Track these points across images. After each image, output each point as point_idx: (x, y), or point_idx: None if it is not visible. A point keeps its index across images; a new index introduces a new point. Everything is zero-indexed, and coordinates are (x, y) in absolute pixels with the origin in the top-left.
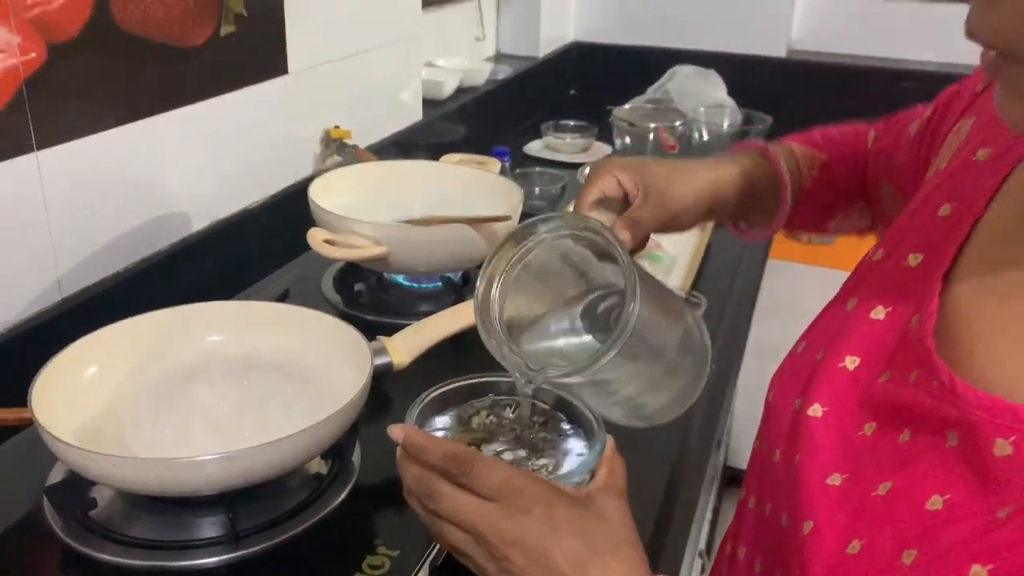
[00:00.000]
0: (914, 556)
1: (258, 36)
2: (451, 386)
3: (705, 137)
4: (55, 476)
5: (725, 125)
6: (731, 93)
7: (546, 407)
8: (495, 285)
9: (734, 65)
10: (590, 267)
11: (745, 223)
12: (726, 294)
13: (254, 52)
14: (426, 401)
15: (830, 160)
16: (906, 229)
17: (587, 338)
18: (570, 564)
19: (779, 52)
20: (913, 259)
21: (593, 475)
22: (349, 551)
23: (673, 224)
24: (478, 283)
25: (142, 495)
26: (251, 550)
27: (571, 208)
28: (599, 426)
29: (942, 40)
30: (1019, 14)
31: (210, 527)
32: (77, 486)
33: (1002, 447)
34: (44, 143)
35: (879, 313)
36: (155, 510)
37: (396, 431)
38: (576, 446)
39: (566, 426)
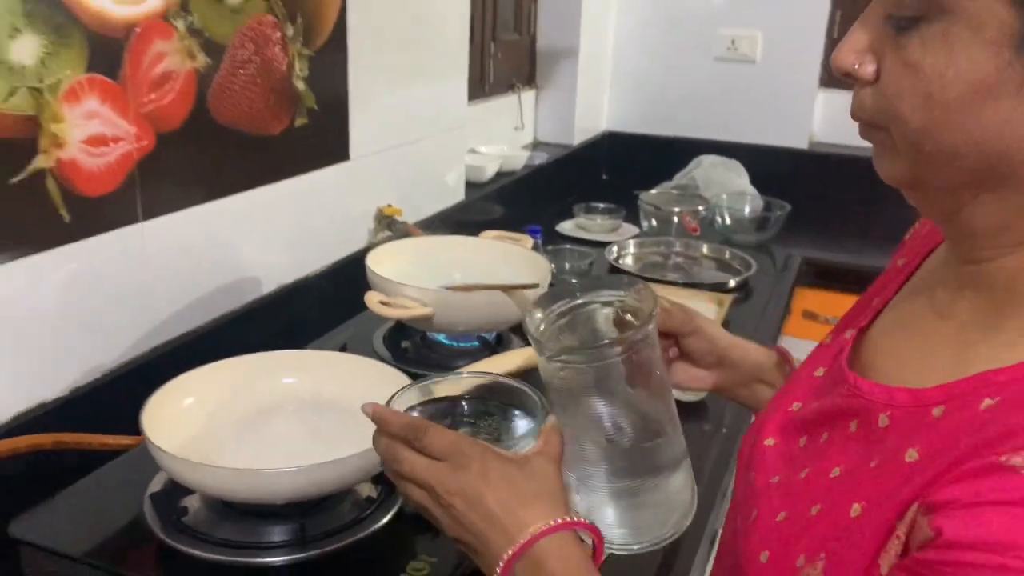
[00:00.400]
0: (818, 508)
1: (326, 127)
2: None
3: (727, 221)
4: (155, 487)
5: (746, 211)
6: (753, 182)
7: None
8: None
9: (757, 155)
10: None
11: (756, 408)
12: None
13: (322, 141)
14: (402, 393)
15: None
16: (849, 319)
17: None
18: (500, 507)
19: (801, 144)
20: (848, 334)
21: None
22: (395, 557)
23: (690, 346)
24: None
25: (224, 505)
26: (315, 552)
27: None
28: (543, 405)
29: None
30: (879, 98)
31: (281, 532)
32: (174, 495)
33: (883, 420)
34: (148, 215)
35: (819, 372)
36: (235, 518)
37: (367, 407)
38: (522, 425)
39: (517, 413)
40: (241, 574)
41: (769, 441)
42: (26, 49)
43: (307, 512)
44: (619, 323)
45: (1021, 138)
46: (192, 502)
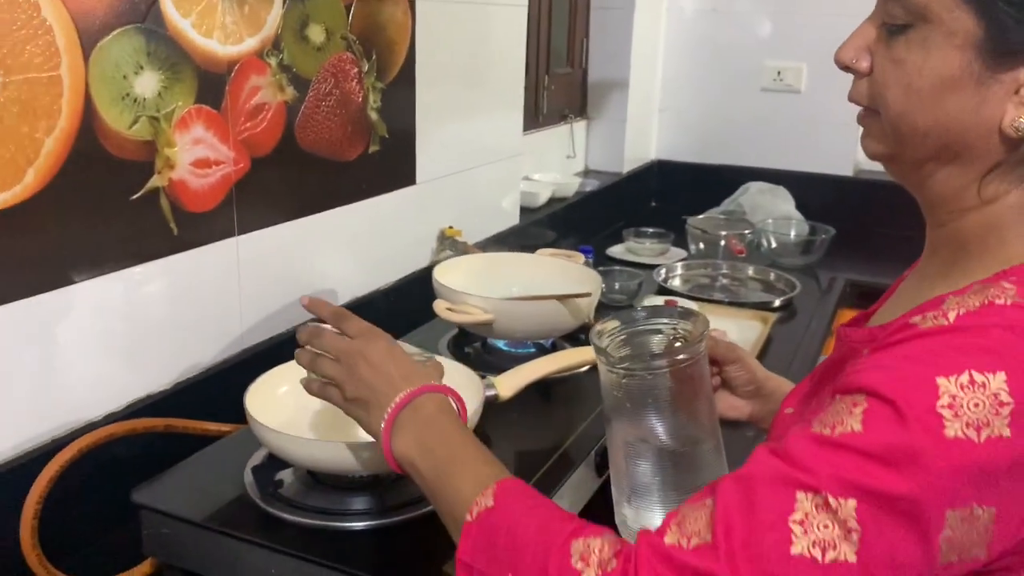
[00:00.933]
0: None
1: (396, 154)
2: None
3: (774, 245)
4: (255, 461)
5: (792, 235)
6: (799, 207)
7: None
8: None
9: (803, 182)
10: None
11: None
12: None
13: (392, 166)
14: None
15: None
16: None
17: None
18: (398, 372)
19: (846, 171)
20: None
21: None
22: None
23: (731, 376)
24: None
25: (314, 479)
26: (392, 519)
27: None
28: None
29: None
30: (871, 86)
31: (362, 502)
32: (272, 469)
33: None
34: (243, 230)
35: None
36: (323, 490)
37: (304, 299)
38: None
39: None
40: (328, 536)
41: (789, 410)
42: (147, 83)
43: (385, 485)
44: (670, 348)
45: (974, 122)
46: (287, 475)
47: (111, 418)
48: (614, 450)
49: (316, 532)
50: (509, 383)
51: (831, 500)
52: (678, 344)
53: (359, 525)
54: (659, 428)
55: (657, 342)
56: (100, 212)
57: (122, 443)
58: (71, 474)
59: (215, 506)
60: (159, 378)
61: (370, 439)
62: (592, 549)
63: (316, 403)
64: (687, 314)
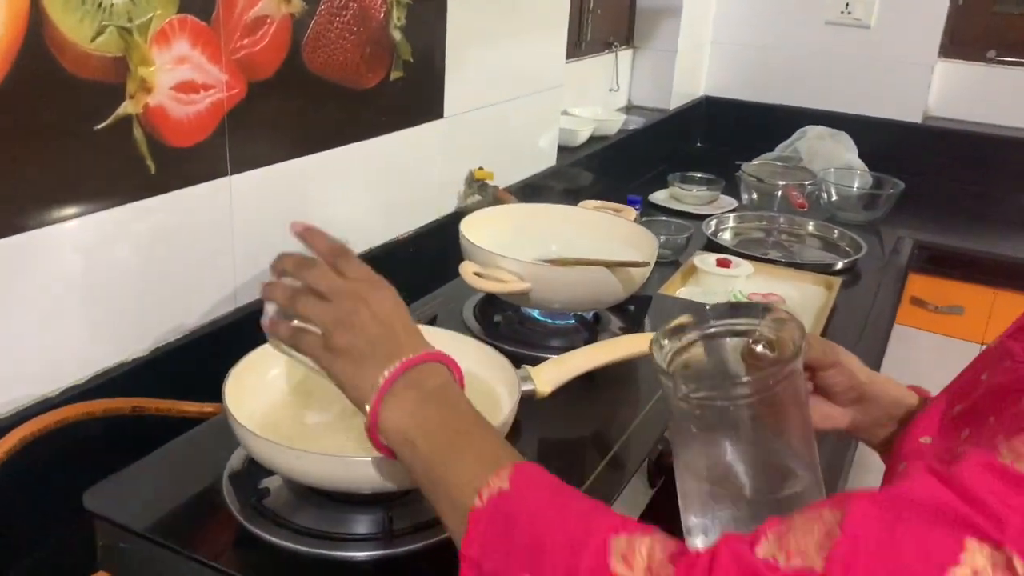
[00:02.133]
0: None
1: (421, 82)
2: None
3: (834, 198)
4: (234, 463)
5: (855, 187)
6: (862, 156)
7: None
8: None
9: (867, 128)
10: None
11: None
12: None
13: (416, 97)
14: None
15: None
16: None
17: None
18: (401, 326)
19: (915, 118)
20: None
21: None
22: None
23: (828, 381)
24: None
25: (308, 489)
26: (402, 548)
27: None
28: None
29: None
30: None
31: (367, 524)
32: (254, 475)
33: None
34: (237, 168)
35: (984, 376)
36: (318, 503)
37: (297, 225)
38: None
39: None
40: (320, 567)
41: (925, 439)
42: None
43: (395, 502)
44: (750, 355)
45: None
46: (273, 482)
47: (72, 392)
48: (682, 481)
49: (306, 562)
50: (549, 376)
51: (1017, 562)
52: (761, 348)
53: (361, 556)
54: (740, 466)
55: (734, 355)
56: (56, 145)
57: (79, 428)
58: (13, 467)
59: (185, 519)
60: (133, 344)
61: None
62: (638, 550)
63: (317, 390)
64: (776, 316)
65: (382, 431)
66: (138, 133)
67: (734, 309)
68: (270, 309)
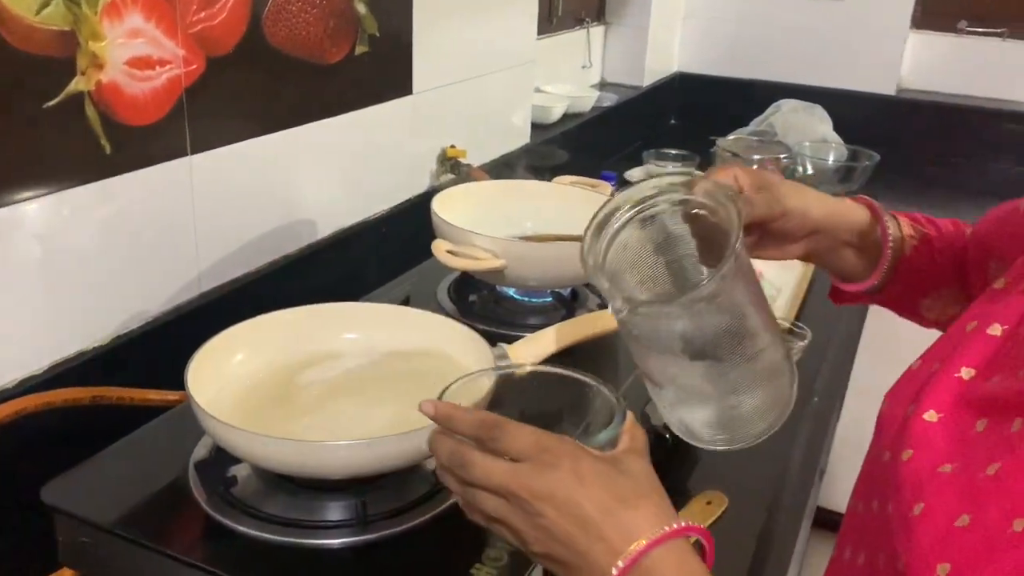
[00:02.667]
0: None
1: (388, 57)
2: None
3: (810, 171)
4: (200, 452)
5: (830, 160)
6: (837, 129)
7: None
8: (604, 237)
9: (841, 101)
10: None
11: (841, 272)
12: (831, 330)
13: (384, 72)
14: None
15: (933, 237)
16: None
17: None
18: (598, 511)
19: (888, 90)
20: None
21: (615, 445)
22: (469, 543)
23: (779, 228)
24: (589, 223)
25: (277, 476)
26: (377, 534)
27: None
28: (619, 402)
29: None
30: None
31: (339, 510)
32: (221, 463)
33: None
34: (197, 148)
35: (996, 330)
36: (289, 491)
37: (427, 406)
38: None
39: (588, 419)
40: (293, 555)
41: (931, 415)
42: None
43: (369, 487)
44: (691, 219)
45: None
46: (241, 471)
47: (30, 383)
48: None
49: (278, 550)
50: (527, 353)
51: None
52: (701, 212)
53: (335, 543)
54: (695, 340)
55: (674, 223)
56: (2, 124)
57: (38, 419)
58: None
59: (149, 511)
60: (93, 331)
61: (354, 439)
62: None
63: (284, 375)
64: (705, 189)
65: None
66: (91, 111)
67: (657, 183)
68: None
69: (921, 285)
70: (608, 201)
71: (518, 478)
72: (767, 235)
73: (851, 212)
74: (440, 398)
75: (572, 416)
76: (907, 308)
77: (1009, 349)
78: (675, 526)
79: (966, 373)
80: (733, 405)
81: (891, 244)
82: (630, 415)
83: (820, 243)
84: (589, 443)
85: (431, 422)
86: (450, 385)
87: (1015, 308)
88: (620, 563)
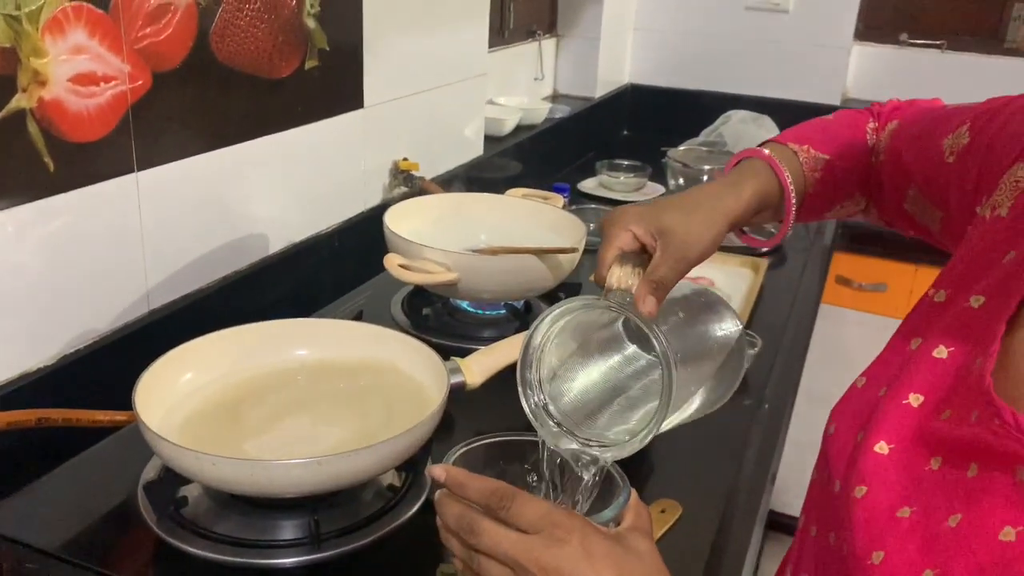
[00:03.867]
0: None
1: (338, 71)
2: (491, 440)
3: None
4: (149, 473)
5: None
6: None
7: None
8: (533, 368)
9: (788, 111)
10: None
11: (748, 229)
12: (779, 336)
13: (334, 86)
14: (466, 450)
15: (832, 159)
16: (968, 271)
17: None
18: None
19: (834, 100)
20: (975, 301)
21: (619, 523)
22: (423, 558)
23: (694, 266)
24: (519, 374)
25: (229, 496)
26: (331, 552)
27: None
28: (623, 480)
29: (996, 92)
30: None
31: (292, 529)
32: (171, 484)
33: None
34: (144, 164)
35: (941, 352)
36: (241, 510)
37: (438, 471)
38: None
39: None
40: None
41: (881, 447)
42: None
43: (321, 504)
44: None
45: None
46: (192, 491)
47: None
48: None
49: (231, 571)
50: (479, 367)
51: None
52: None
53: (288, 562)
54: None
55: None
56: None
57: None
58: None
59: (98, 535)
60: (39, 351)
61: (304, 457)
62: None
63: (234, 393)
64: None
65: None
66: (33, 128)
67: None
68: None
69: (825, 206)
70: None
71: (528, 551)
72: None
73: (753, 201)
74: (449, 459)
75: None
76: (812, 219)
77: (958, 386)
78: None
79: (915, 400)
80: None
81: (794, 200)
82: (634, 492)
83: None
84: (595, 517)
85: (384, 439)
86: (456, 449)
87: (959, 328)
88: None
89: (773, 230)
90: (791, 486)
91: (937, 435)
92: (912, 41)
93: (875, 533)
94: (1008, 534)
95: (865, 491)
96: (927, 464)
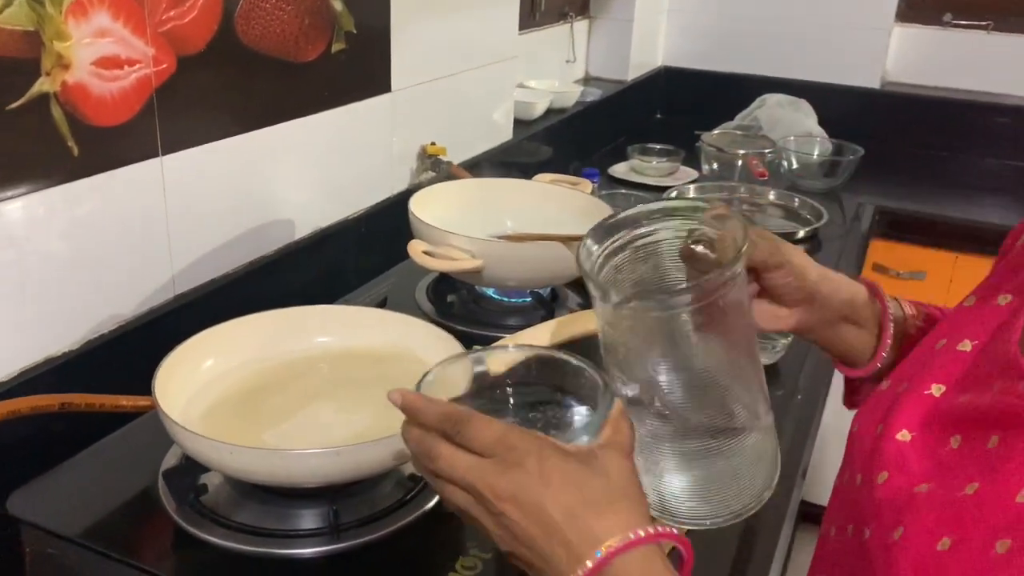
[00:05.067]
0: (1008, 545)
1: (366, 54)
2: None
3: (795, 166)
4: (169, 461)
5: (815, 154)
6: (822, 123)
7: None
8: (601, 251)
9: (825, 95)
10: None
11: (842, 353)
12: None
13: (361, 70)
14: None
15: (937, 317)
16: (1001, 277)
17: None
18: (563, 515)
19: (873, 83)
20: (1003, 299)
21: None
22: (443, 551)
23: (776, 284)
24: (592, 228)
25: (248, 484)
26: (350, 543)
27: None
28: (606, 388)
29: None
30: None
31: (311, 518)
32: (191, 471)
33: None
34: (169, 149)
35: (966, 346)
36: (260, 499)
37: (395, 395)
38: (582, 413)
39: (573, 400)
40: (264, 566)
41: (904, 435)
42: None
43: (341, 494)
44: (689, 257)
45: None
46: (212, 479)
47: None
48: None
49: (249, 561)
50: (503, 359)
51: None
52: (701, 249)
53: (306, 552)
54: (675, 370)
55: (671, 257)
56: None
57: (4, 428)
58: None
59: (118, 521)
60: (63, 336)
61: (324, 447)
62: None
63: (256, 380)
64: (715, 213)
65: None
66: (57, 112)
67: (670, 208)
68: None
69: None
70: (616, 213)
71: (482, 476)
72: (762, 294)
73: (850, 287)
74: (418, 387)
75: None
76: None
77: (980, 362)
78: (643, 533)
79: (936, 390)
80: (704, 456)
81: (892, 319)
82: (617, 403)
83: (815, 314)
84: (567, 435)
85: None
86: (427, 374)
87: (985, 323)
88: (580, 572)
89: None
90: (825, 478)
91: (957, 413)
92: (956, 22)
93: (895, 512)
94: None
95: (887, 476)
96: (947, 444)
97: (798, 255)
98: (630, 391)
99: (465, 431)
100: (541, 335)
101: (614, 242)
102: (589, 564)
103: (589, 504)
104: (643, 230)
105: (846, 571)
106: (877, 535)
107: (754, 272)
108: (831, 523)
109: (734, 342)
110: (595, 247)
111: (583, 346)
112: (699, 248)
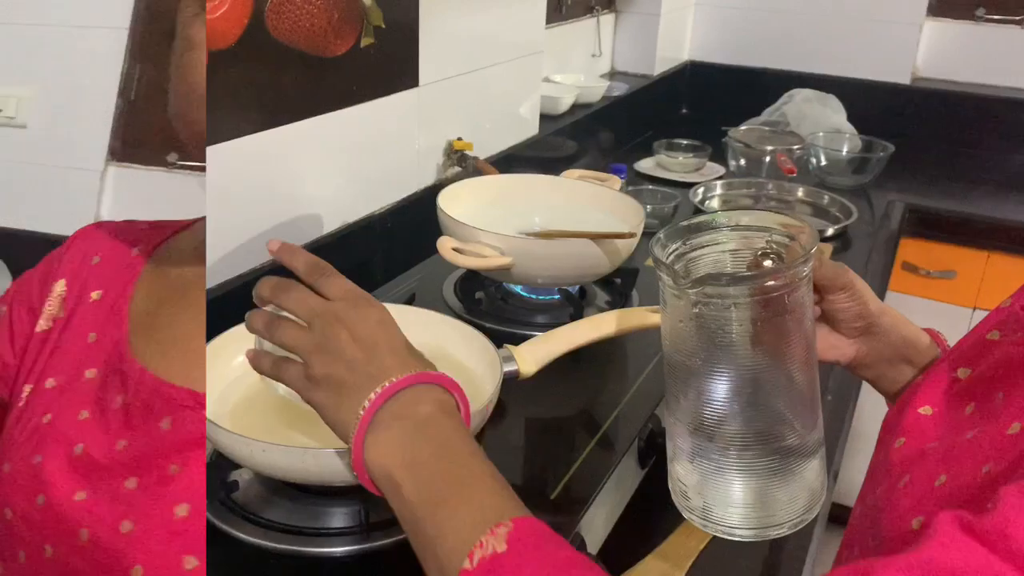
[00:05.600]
0: (989, 467)
1: (394, 49)
2: None
3: (823, 162)
4: None
5: (844, 151)
6: (851, 119)
7: None
8: (672, 248)
9: (854, 90)
10: None
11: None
12: None
13: (389, 64)
14: None
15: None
16: None
17: None
18: (388, 349)
19: (903, 79)
20: None
21: None
22: None
23: (837, 309)
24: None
25: (279, 482)
26: (380, 543)
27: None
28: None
29: None
30: None
31: (342, 517)
32: (223, 468)
33: None
34: None
35: (994, 335)
36: (291, 497)
37: (273, 243)
38: None
39: None
40: (295, 563)
41: (925, 409)
42: None
43: (371, 494)
44: (756, 268)
45: None
46: (243, 475)
47: None
48: (672, 403)
49: (280, 558)
50: (533, 356)
51: None
52: (768, 263)
53: (337, 551)
54: (739, 373)
55: (734, 260)
56: None
57: None
58: None
59: None
60: None
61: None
62: None
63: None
64: (788, 224)
65: (368, 467)
66: None
67: (745, 224)
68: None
69: None
70: (702, 216)
71: (330, 308)
72: (823, 317)
73: (909, 327)
74: None
75: None
76: None
77: (1001, 341)
78: (439, 374)
79: (963, 373)
80: (757, 478)
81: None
82: None
83: (874, 348)
84: None
85: None
86: None
87: (1015, 316)
88: (385, 383)
89: None
90: (855, 477)
91: (973, 383)
92: (989, 17)
93: (905, 465)
94: (1014, 428)
95: (903, 441)
96: (962, 411)
97: (860, 281)
98: (689, 402)
99: (328, 278)
100: (571, 335)
101: (686, 241)
102: (395, 378)
103: (409, 351)
104: (714, 235)
105: (863, 531)
106: (886, 491)
107: (818, 294)
108: (860, 497)
109: (793, 353)
110: (669, 243)
111: (611, 346)
112: (767, 262)
